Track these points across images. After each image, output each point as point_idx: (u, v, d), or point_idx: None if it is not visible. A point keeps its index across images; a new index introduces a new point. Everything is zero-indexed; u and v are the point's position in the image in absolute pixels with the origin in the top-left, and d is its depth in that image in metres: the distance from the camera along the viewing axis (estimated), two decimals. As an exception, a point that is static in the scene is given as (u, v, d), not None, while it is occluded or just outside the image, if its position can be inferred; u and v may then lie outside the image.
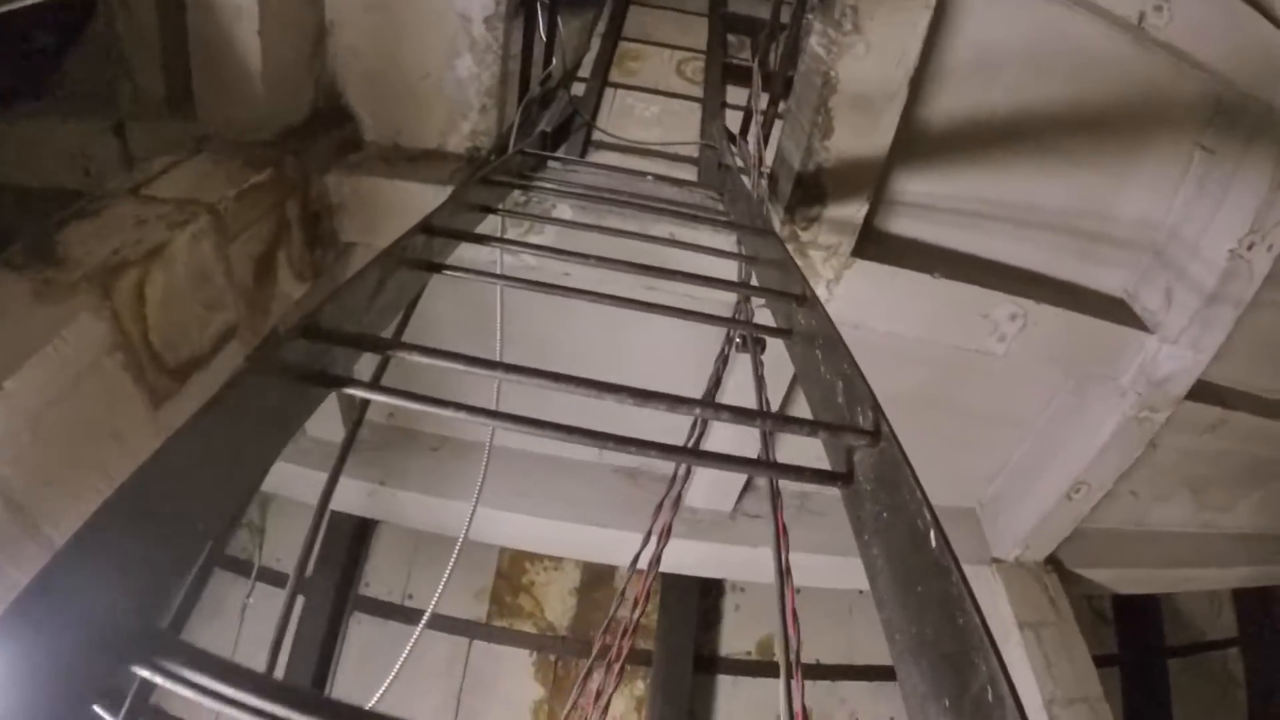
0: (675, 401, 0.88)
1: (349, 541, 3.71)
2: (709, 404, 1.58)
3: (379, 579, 3.79)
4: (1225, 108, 2.57)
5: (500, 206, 1.76)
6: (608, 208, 1.81)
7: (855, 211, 2.17)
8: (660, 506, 2.24)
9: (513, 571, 3.65)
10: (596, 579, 3.63)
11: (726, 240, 2.01)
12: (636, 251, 1.38)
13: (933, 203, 2.45)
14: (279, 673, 1.08)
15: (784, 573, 1.12)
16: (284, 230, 2.45)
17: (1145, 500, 3.69)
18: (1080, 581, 3.58)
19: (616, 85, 4.71)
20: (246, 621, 3.79)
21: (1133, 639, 4.30)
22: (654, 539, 2.06)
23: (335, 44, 2.54)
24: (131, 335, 1.73)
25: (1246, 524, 4.05)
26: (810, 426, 0.88)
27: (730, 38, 5.11)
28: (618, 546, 3.00)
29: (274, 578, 3.84)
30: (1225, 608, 4.55)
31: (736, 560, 3.03)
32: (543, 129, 2.38)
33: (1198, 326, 2.74)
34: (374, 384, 0.84)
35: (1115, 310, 2.82)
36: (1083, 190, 2.63)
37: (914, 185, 2.39)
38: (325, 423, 3.21)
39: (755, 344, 1.56)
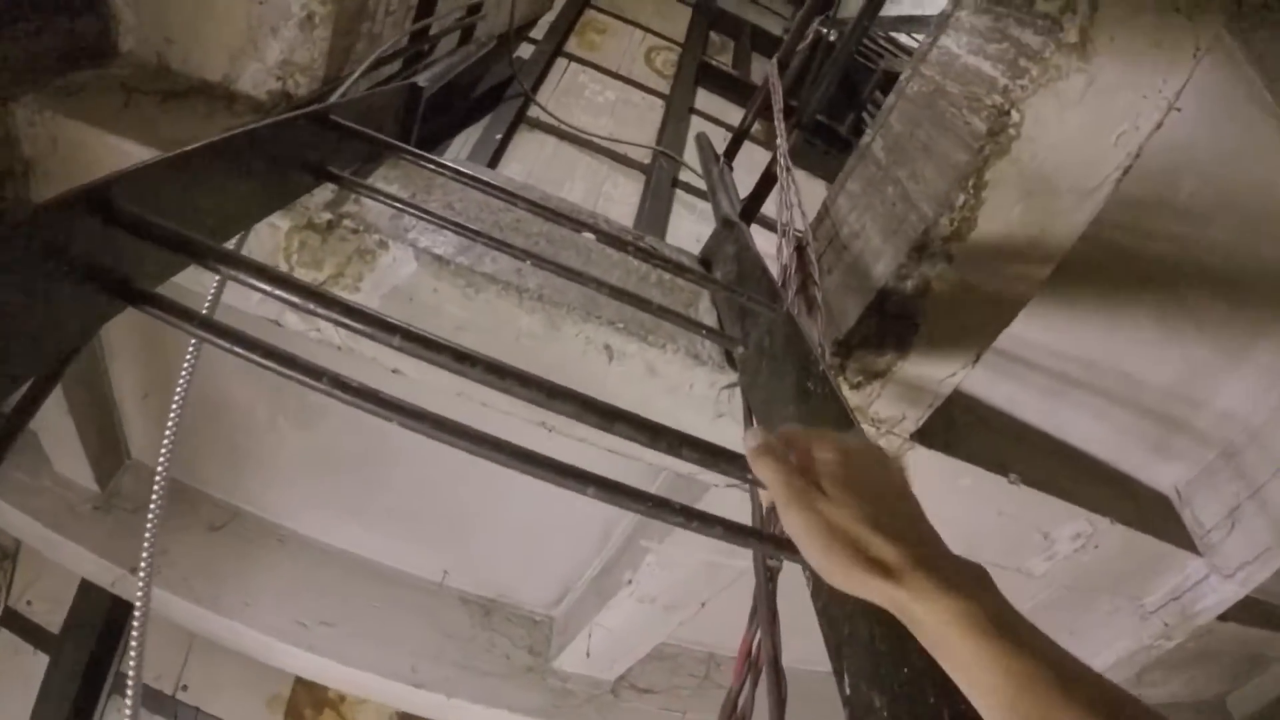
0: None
1: (111, 601, 2.32)
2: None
3: (148, 656, 2.38)
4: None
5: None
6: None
7: (949, 374, 1.06)
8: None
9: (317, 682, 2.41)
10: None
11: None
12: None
13: (1024, 354, 1.38)
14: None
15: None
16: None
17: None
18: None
19: (572, 57, 3.46)
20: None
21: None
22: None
23: None
24: None
25: (1171, 695, 3.39)
26: None
27: (713, 36, 3.91)
28: (455, 714, 1.82)
29: (23, 627, 2.43)
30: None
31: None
32: (413, 82, 1.11)
33: (1260, 565, 1.83)
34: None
35: (1161, 515, 1.87)
36: (1192, 367, 1.64)
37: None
38: (71, 460, 1.86)
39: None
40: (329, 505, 1.83)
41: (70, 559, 1.90)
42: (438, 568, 1.91)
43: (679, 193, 2.91)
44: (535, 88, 3.03)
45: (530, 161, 2.69)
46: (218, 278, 0.77)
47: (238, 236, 0.78)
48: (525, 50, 3.22)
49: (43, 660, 2.36)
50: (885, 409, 1.07)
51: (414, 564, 1.91)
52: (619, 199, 2.73)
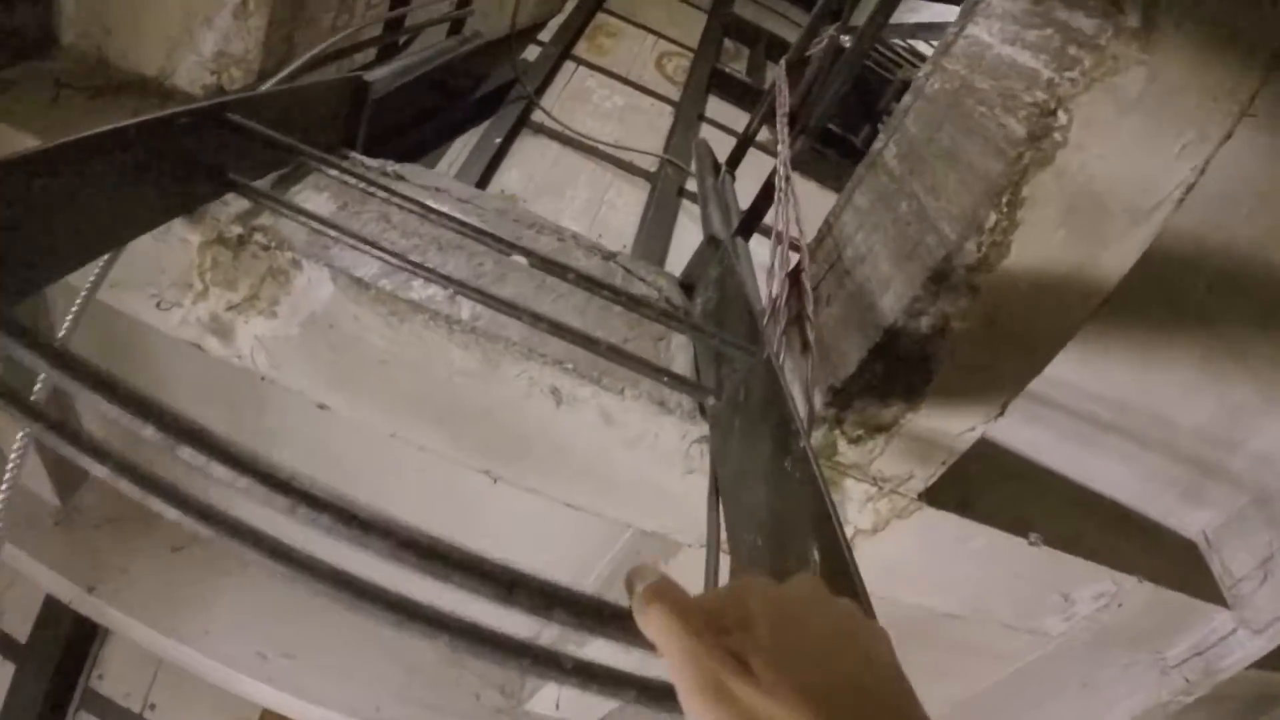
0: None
1: (77, 616, 2.19)
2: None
3: (116, 673, 2.25)
4: None
5: None
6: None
7: (967, 429, 0.88)
8: None
9: (287, 708, 2.27)
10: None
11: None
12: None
13: (1050, 396, 1.20)
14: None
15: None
16: None
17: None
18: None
19: (580, 61, 3.31)
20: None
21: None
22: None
23: None
24: None
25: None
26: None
27: (727, 43, 3.73)
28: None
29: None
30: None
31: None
32: (357, 75, 0.95)
33: (1296, 618, 1.63)
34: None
35: (1188, 566, 1.68)
36: (1229, 407, 1.44)
37: (1035, 364, 1.13)
38: (33, 471, 1.73)
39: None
40: (293, 529, 1.68)
41: (31, 573, 1.79)
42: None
43: (685, 203, 2.74)
44: (540, 91, 2.88)
45: (531, 167, 2.53)
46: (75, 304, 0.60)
47: (109, 255, 0.62)
48: (532, 53, 3.07)
49: (10, 670, 2.24)
50: (889, 467, 0.89)
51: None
52: (622, 208, 2.58)
